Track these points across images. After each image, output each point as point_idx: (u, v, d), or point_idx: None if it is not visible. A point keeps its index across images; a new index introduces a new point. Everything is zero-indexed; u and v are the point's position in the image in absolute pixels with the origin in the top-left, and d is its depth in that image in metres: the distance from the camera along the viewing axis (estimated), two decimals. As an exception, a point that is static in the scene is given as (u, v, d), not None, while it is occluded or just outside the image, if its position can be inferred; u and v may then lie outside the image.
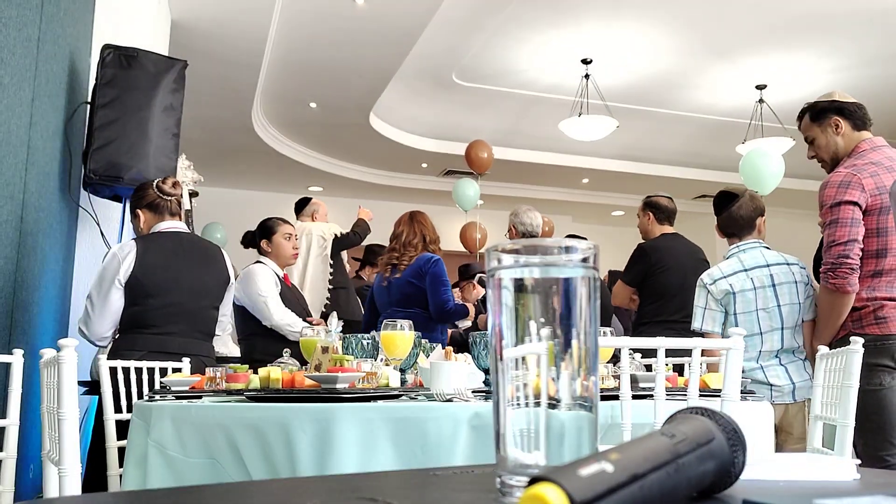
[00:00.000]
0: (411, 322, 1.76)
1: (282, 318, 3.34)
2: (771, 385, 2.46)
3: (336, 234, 4.81)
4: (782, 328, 2.50)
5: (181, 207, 2.68)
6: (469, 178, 6.74)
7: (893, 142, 2.50)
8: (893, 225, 2.27)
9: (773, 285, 2.51)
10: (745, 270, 2.55)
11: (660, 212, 3.66)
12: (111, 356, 2.26)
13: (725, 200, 2.68)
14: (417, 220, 3.52)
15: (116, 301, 2.42)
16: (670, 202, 3.72)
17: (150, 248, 2.49)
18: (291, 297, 3.54)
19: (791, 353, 2.51)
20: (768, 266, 2.54)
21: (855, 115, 2.43)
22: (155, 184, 2.62)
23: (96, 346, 2.53)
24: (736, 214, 2.64)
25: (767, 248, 2.62)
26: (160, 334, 2.44)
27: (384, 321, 1.75)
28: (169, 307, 2.46)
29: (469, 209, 6.68)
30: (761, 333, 2.50)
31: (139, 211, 2.63)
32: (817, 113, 2.47)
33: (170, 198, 2.61)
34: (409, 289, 3.36)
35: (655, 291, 3.51)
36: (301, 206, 5.02)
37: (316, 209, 4.91)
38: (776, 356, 2.50)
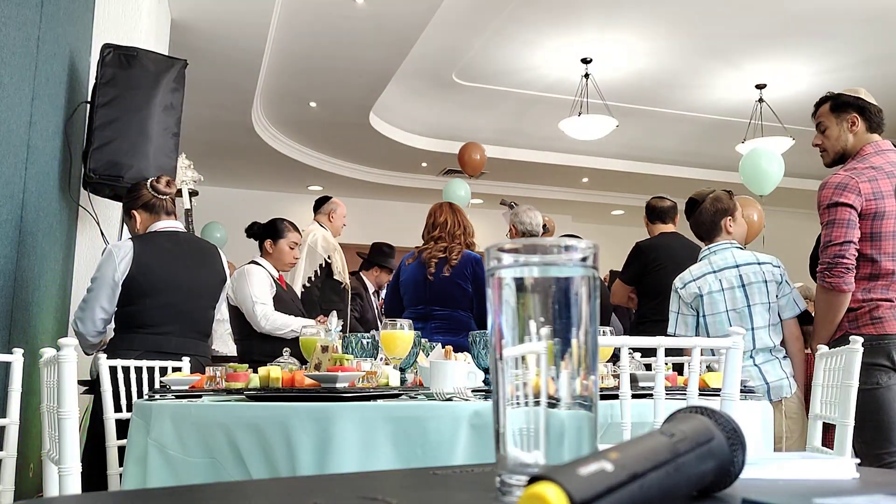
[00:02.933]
0: (410, 321, 1.75)
1: (271, 324, 3.24)
2: None
3: (322, 265, 4.34)
4: (753, 328, 2.52)
5: (175, 206, 2.67)
6: (461, 178, 6.72)
7: (895, 140, 2.50)
8: (889, 230, 2.28)
9: (743, 286, 2.53)
10: (714, 272, 2.58)
11: (650, 212, 3.76)
12: (108, 355, 2.26)
13: (690, 207, 2.74)
14: (459, 211, 3.31)
15: (110, 299, 2.41)
16: (660, 201, 3.80)
17: (147, 247, 2.47)
18: (287, 299, 3.48)
19: (767, 351, 2.53)
20: (737, 266, 2.57)
21: (874, 117, 2.44)
22: (149, 183, 2.60)
23: (88, 342, 2.50)
24: (698, 220, 2.69)
25: (740, 248, 2.65)
26: (157, 334, 2.43)
27: (386, 321, 1.74)
28: (166, 307, 2.45)
29: None
30: None
31: (134, 212, 2.61)
32: (839, 105, 2.47)
33: (164, 197, 2.59)
34: (455, 290, 3.16)
35: (653, 290, 3.55)
36: (319, 204, 4.67)
37: (333, 209, 4.65)
38: (750, 356, 2.52)
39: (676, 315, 2.64)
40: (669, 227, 3.72)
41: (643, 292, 3.62)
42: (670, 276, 3.51)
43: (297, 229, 3.58)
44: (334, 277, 4.22)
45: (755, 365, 2.51)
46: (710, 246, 2.67)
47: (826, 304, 2.34)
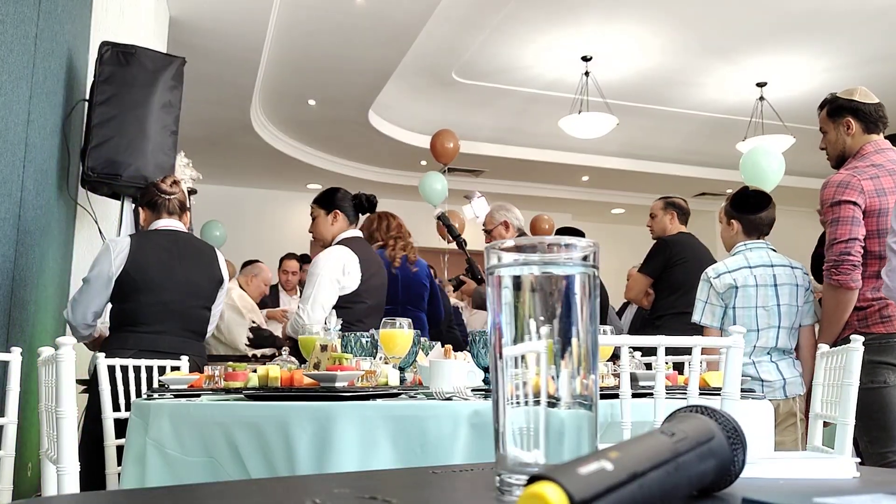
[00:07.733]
0: (410, 320, 1.75)
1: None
2: (762, 380, 2.50)
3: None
4: (779, 327, 2.54)
5: (181, 208, 2.66)
6: (435, 171, 6.66)
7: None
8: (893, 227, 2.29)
9: (775, 285, 2.56)
10: (750, 267, 2.60)
11: (681, 212, 3.87)
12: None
13: (762, 201, 2.73)
14: (395, 216, 3.44)
15: (103, 292, 2.42)
16: (686, 203, 3.97)
17: (143, 244, 2.48)
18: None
19: (783, 352, 2.57)
20: (772, 266, 2.59)
21: (870, 117, 2.45)
22: (156, 182, 2.65)
23: (79, 333, 2.50)
24: (767, 219, 2.71)
25: (774, 249, 2.67)
26: (152, 333, 2.43)
27: (383, 320, 1.74)
28: (160, 305, 2.46)
29: (437, 204, 6.58)
30: (758, 330, 2.55)
31: (140, 208, 2.67)
32: (834, 110, 2.51)
33: (168, 196, 2.60)
34: (422, 290, 3.28)
35: (673, 284, 3.62)
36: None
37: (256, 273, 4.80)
38: (768, 353, 2.55)
39: (704, 304, 2.64)
40: (686, 230, 3.85)
41: (662, 287, 3.69)
42: (690, 272, 3.55)
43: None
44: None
45: (772, 361, 2.54)
46: (745, 242, 2.69)
47: (834, 301, 2.34)
